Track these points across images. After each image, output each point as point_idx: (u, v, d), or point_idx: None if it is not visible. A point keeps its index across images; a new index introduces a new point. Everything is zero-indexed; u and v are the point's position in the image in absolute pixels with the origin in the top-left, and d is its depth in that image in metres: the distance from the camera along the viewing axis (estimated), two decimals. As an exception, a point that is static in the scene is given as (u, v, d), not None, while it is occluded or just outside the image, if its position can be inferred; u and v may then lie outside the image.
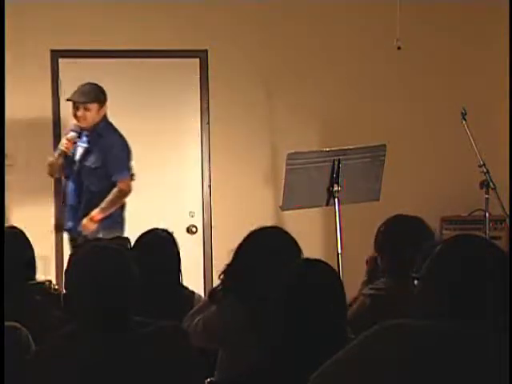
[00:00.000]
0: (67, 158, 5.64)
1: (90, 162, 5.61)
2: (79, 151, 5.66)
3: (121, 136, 5.66)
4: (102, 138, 5.61)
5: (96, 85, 5.62)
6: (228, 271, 3.31)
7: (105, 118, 5.65)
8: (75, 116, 5.60)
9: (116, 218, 5.65)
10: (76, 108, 5.58)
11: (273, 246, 3.24)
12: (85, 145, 5.65)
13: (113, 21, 6.29)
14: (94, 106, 5.55)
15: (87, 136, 5.64)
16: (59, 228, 6.17)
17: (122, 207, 5.72)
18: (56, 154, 5.66)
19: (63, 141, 5.65)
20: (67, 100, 5.67)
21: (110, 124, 5.68)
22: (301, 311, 2.55)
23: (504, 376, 1.98)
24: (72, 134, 5.63)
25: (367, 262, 3.90)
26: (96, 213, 5.53)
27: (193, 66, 6.43)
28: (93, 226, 5.53)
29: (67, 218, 5.78)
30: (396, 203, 5.75)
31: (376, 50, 6.41)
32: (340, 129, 6.45)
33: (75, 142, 5.63)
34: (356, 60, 6.49)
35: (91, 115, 5.57)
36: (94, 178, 5.61)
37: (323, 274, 2.66)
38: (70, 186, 5.72)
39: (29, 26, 6.19)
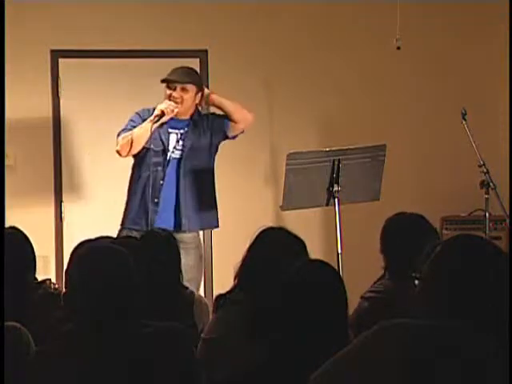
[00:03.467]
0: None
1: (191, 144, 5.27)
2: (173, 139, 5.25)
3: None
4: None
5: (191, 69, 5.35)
6: (241, 272, 3.30)
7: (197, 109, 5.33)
8: (170, 97, 5.18)
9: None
10: (173, 89, 5.20)
11: (285, 246, 3.25)
12: (182, 130, 5.29)
13: (113, 21, 6.29)
14: (192, 88, 5.24)
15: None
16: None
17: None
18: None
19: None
20: (162, 81, 5.23)
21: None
22: (301, 311, 2.56)
23: (504, 376, 1.98)
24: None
25: None
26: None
27: (193, 66, 6.42)
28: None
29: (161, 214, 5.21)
30: (396, 203, 5.75)
31: (376, 50, 6.41)
32: (340, 129, 6.45)
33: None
34: (356, 60, 6.49)
35: (190, 97, 5.22)
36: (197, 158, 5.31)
37: (323, 273, 2.66)
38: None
39: (29, 26, 6.20)
